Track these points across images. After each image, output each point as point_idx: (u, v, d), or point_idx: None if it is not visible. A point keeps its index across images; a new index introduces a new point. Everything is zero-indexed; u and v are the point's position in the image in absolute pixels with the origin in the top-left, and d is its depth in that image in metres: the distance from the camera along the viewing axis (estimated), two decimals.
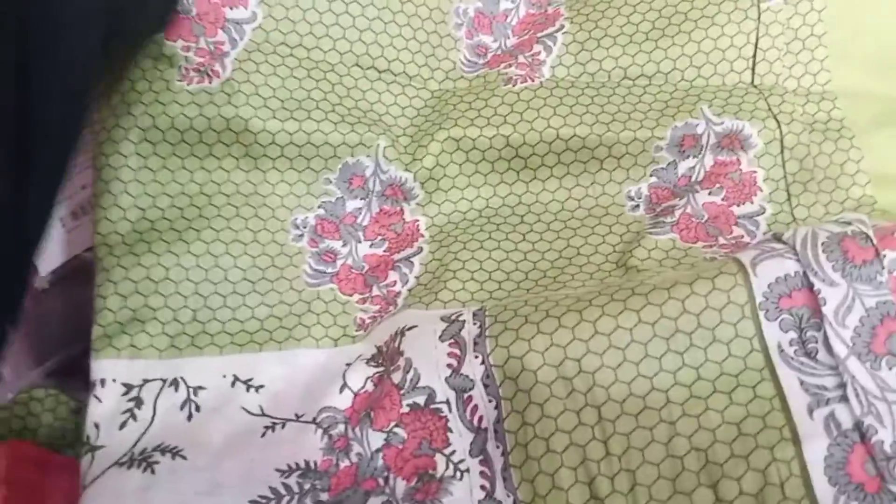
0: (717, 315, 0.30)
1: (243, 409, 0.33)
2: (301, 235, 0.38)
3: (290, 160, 0.38)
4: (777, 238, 0.33)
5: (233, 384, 0.34)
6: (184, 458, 0.31)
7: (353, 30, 0.40)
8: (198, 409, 0.33)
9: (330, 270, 0.37)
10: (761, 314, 0.30)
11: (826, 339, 0.29)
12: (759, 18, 0.41)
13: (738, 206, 0.38)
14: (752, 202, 0.38)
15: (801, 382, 0.28)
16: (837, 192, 0.38)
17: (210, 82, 0.37)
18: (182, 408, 0.33)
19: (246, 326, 0.35)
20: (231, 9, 0.38)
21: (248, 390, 0.33)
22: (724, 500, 0.27)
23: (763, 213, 0.38)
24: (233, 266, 0.36)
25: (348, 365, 0.33)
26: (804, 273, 0.30)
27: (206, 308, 0.35)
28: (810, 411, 0.28)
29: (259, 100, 0.37)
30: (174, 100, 0.36)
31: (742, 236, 0.37)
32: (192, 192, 0.37)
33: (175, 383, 0.34)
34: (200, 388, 0.34)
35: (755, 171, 0.39)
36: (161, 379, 0.33)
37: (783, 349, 0.29)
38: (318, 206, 0.38)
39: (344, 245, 0.38)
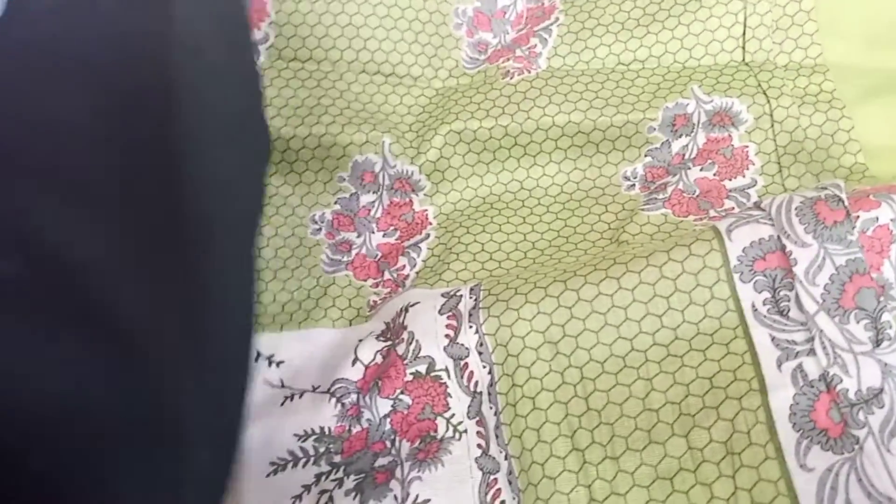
0: (694, 279, 0.32)
1: (266, 381, 0.36)
2: (319, 229, 0.41)
3: (305, 162, 0.41)
4: (756, 206, 0.34)
5: (256, 360, 0.37)
6: None
7: (359, 39, 0.43)
8: None
9: (345, 259, 0.41)
10: (736, 276, 0.32)
11: (797, 297, 0.30)
12: None
13: (731, 180, 0.39)
14: (743, 176, 0.39)
15: (773, 338, 0.30)
16: (829, 162, 0.39)
17: None
18: None
19: (269, 309, 0.39)
20: None
21: (269, 365, 0.37)
22: (696, 447, 0.29)
23: (754, 185, 0.39)
24: (257, 257, 0.40)
25: (360, 340, 0.36)
26: (778, 236, 0.32)
27: None
28: (779, 364, 0.29)
29: (273, 110, 0.41)
30: None
31: (733, 208, 0.38)
32: None
33: None
34: None
35: (747, 146, 0.40)
36: None
37: (757, 308, 0.31)
38: (335, 203, 0.42)
39: (358, 236, 0.41)
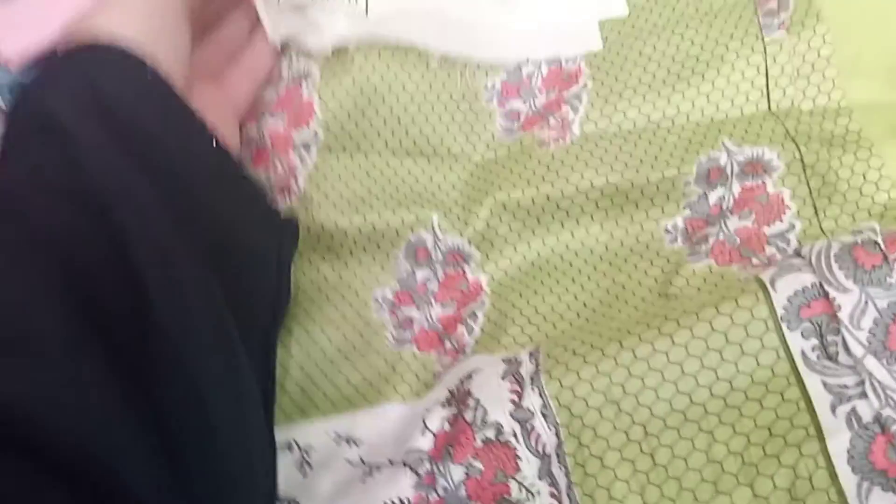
0: (744, 330, 0.34)
1: (347, 461, 0.39)
2: (382, 308, 0.44)
3: (362, 247, 0.44)
4: (797, 253, 0.36)
5: (336, 441, 0.40)
6: (297, 503, 0.37)
7: (399, 126, 0.47)
8: (310, 466, 0.39)
9: (409, 335, 0.43)
10: (783, 325, 0.33)
11: (844, 341, 0.32)
12: (764, 51, 0.44)
13: (769, 226, 0.41)
14: (781, 221, 0.41)
15: (825, 384, 0.31)
16: (863, 200, 0.41)
17: (289, 199, 0.45)
18: (298, 466, 0.39)
19: (343, 392, 0.41)
20: (297, 130, 0.46)
21: (349, 445, 0.39)
22: (761, 496, 0.30)
23: (793, 229, 0.41)
24: (327, 343, 0.43)
25: (427, 410, 0.39)
26: (820, 284, 0.33)
27: (310, 381, 0.42)
28: (833, 409, 0.31)
29: (329, 204, 0.45)
30: None
31: (774, 254, 0.40)
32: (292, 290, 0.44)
33: (289, 446, 0.40)
34: (310, 447, 0.40)
35: (781, 192, 0.42)
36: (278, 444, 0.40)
37: (806, 355, 0.32)
38: (394, 281, 0.45)
39: (419, 311, 0.44)
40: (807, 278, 0.34)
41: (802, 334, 0.33)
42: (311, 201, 0.45)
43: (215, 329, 0.34)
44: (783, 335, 0.33)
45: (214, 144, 0.39)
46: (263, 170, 0.46)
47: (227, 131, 0.43)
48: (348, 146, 0.47)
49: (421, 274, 0.45)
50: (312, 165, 0.46)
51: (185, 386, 0.31)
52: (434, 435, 0.38)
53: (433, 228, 0.44)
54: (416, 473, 0.37)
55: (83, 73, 0.36)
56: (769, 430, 0.32)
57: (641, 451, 0.33)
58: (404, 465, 0.37)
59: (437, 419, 0.38)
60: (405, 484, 0.37)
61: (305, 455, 0.39)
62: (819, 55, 0.44)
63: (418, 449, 0.37)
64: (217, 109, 0.42)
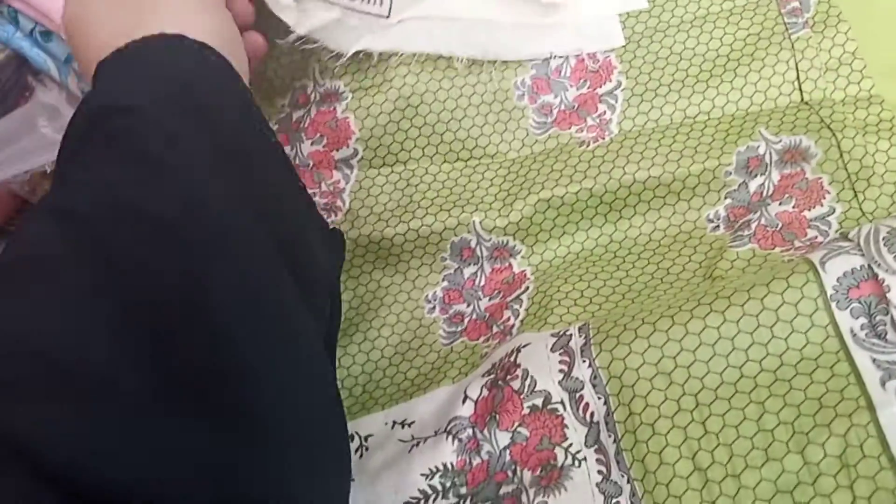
0: (794, 309, 0.35)
1: (399, 440, 0.41)
2: (433, 307, 0.46)
3: (409, 252, 0.47)
4: (844, 237, 0.37)
5: (392, 427, 0.41)
6: (353, 480, 0.39)
7: (434, 133, 0.49)
8: (367, 449, 0.41)
9: (459, 329, 0.45)
10: (833, 304, 0.34)
11: (893, 321, 0.33)
12: (792, 47, 0.46)
13: (809, 210, 0.42)
14: (821, 205, 0.42)
15: (874, 360, 0.32)
16: None
17: (336, 216, 0.47)
18: (356, 451, 0.41)
19: (400, 386, 0.43)
20: (337, 150, 0.48)
21: (402, 427, 0.41)
22: (812, 462, 0.31)
23: (833, 213, 0.42)
24: (386, 345, 0.45)
25: (469, 383, 0.40)
26: (869, 266, 0.34)
27: (371, 380, 0.44)
28: (882, 383, 0.32)
29: (374, 216, 0.47)
30: None
31: (816, 237, 0.41)
32: (349, 298, 0.47)
33: (351, 437, 0.42)
34: (369, 435, 0.42)
35: (820, 177, 0.43)
36: None
37: (855, 333, 0.33)
38: (443, 280, 0.46)
39: (468, 306, 0.45)
40: (856, 260, 0.35)
41: (851, 313, 0.34)
42: (355, 217, 0.47)
43: (295, 355, 0.32)
44: (833, 314, 0.34)
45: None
46: (308, 190, 0.48)
47: None
48: (387, 159, 0.49)
49: (468, 270, 0.46)
50: (355, 181, 0.48)
51: (260, 434, 0.29)
52: (474, 402, 0.39)
53: (475, 230, 0.46)
54: (458, 439, 0.38)
55: (157, 61, 0.32)
56: (819, 401, 0.33)
57: (693, 419, 0.34)
58: (446, 433, 0.39)
59: (476, 387, 0.40)
60: (447, 450, 0.38)
61: (364, 441, 0.41)
62: (844, 50, 0.45)
63: (459, 416, 0.39)
64: None
